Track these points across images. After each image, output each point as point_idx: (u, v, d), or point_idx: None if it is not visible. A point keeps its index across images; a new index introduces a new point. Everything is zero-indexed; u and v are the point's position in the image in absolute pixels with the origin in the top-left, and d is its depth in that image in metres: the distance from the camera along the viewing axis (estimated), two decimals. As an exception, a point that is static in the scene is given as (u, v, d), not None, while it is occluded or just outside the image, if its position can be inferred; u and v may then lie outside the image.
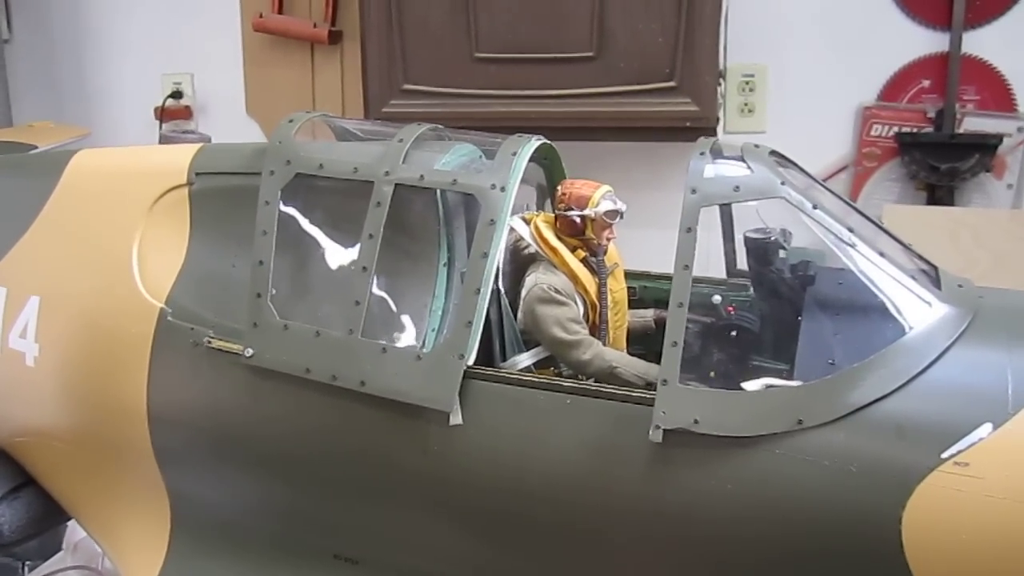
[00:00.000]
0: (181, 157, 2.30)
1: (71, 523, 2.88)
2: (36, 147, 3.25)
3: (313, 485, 2.09)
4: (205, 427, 2.16)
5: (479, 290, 1.89)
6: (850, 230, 1.81)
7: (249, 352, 2.05)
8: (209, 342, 2.11)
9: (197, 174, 2.27)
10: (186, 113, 4.47)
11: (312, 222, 2.18)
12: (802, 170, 1.98)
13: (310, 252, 2.16)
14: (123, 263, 2.24)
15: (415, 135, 2.10)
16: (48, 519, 2.66)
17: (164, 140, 3.45)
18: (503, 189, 1.96)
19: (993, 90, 3.75)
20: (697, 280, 1.86)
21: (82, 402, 2.33)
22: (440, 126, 2.26)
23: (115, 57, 4.61)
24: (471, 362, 1.89)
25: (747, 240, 2.20)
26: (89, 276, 2.30)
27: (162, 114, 4.40)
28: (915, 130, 3.82)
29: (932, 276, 1.91)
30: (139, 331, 2.19)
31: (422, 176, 2.01)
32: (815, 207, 1.81)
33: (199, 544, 2.25)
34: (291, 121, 2.19)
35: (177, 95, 4.47)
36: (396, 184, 2.01)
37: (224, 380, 2.11)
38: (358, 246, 2.02)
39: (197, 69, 4.49)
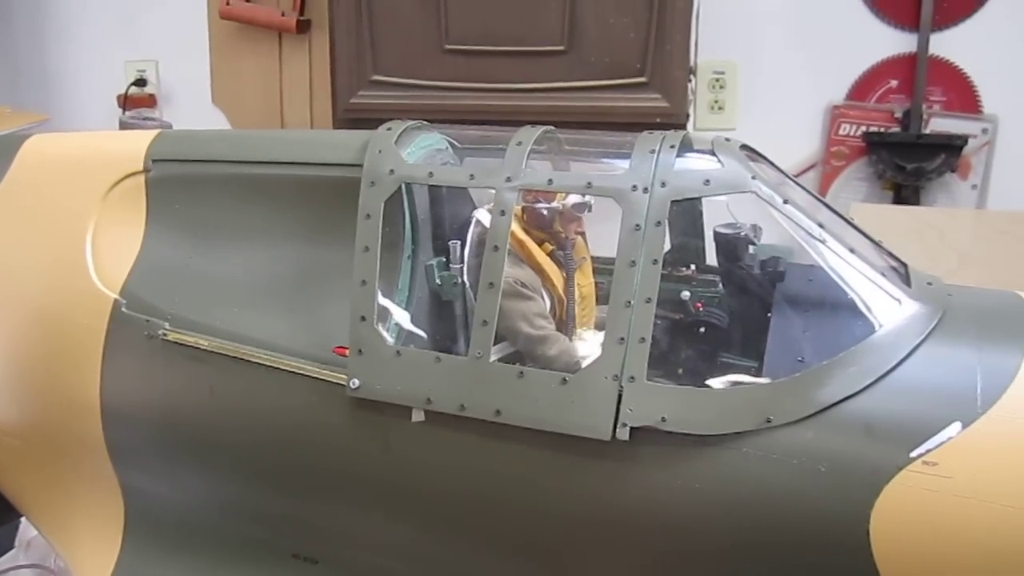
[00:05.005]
0: (138, 143, 2.24)
1: (24, 520, 2.82)
2: (-9, 133, 3.16)
3: (271, 482, 2.03)
4: (160, 422, 2.09)
5: (629, 302, 1.73)
6: (820, 226, 1.79)
7: (355, 383, 1.85)
8: (165, 335, 2.05)
9: (154, 161, 2.20)
10: (150, 102, 4.38)
11: (406, 236, 2.02)
12: (773, 165, 1.96)
13: (409, 269, 2.03)
14: (76, 252, 2.17)
15: (533, 138, 1.93)
16: (-2, 516, 2.59)
17: (124, 127, 3.38)
18: (646, 191, 1.79)
19: (959, 91, 3.78)
20: (666, 276, 1.83)
21: (33, 396, 2.26)
22: (552, 127, 2.09)
23: (76, 42, 4.50)
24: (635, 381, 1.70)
25: (716, 235, 2.18)
26: (41, 266, 2.23)
27: (125, 102, 4.31)
28: (882, 130, 3.84)
29: (902, 273, 1.90)
30: (92, 323, 2.12)
31: (550, 180, 1.88)
32: (786, 202, 1.79)
33: (154, 542, 2.18)
34: (389, 129, 2.01)
35: (141, 83, 4.39)
36: (521, 190, 1.88)
37: (180, 374, 2.05)
38: (474, 261, 1.91)
39: (162, 57, 4.40)
